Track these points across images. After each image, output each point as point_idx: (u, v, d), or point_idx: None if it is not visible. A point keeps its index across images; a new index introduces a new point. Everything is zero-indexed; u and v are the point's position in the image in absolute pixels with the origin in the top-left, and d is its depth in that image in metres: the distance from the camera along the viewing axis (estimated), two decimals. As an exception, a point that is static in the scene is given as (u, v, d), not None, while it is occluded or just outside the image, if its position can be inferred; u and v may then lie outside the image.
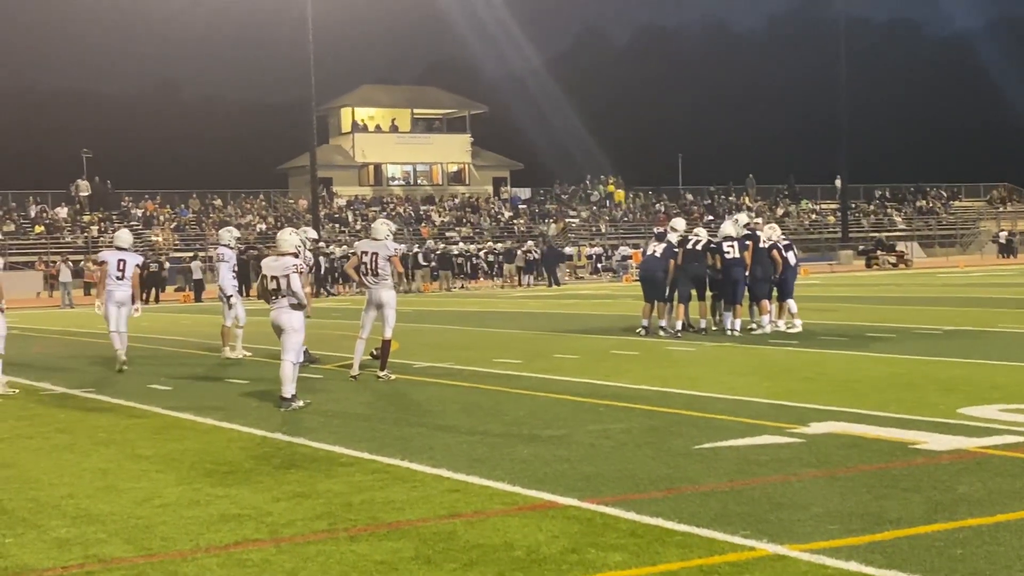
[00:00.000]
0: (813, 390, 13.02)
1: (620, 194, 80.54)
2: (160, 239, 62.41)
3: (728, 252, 20.46)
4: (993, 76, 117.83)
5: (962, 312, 24.87)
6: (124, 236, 18.73)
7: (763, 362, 16.22)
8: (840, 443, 9.68)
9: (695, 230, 21.82)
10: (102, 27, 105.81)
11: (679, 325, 20.81)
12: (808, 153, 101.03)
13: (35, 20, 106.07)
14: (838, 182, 76.21)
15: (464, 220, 72.02)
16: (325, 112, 77.56)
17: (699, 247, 20.65)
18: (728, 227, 21.03)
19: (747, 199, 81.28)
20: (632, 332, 21.27)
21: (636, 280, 21.75)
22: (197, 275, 46.93)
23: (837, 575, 6.09)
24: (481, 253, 53.87)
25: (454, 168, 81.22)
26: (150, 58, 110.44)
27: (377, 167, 79.08)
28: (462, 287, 51.19)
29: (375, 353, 15.69)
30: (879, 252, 61.54)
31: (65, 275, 45.81)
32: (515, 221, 73.47)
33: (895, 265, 59.78)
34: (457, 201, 76.29)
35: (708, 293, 21.04)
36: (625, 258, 57.21)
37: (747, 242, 20.63)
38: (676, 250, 20.43)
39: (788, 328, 20.64)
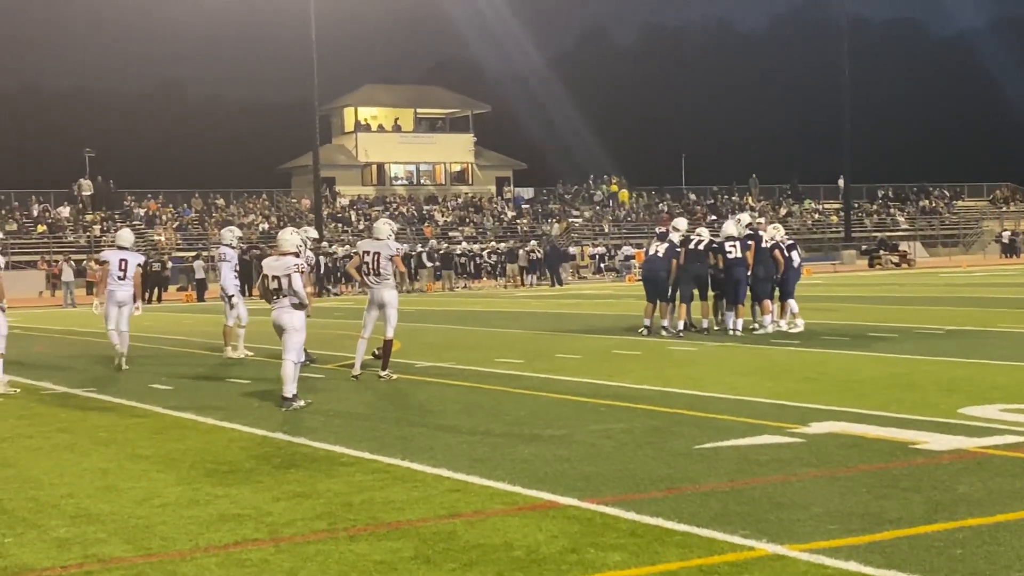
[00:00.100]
0: (814, 390, 13.01)
1: (624, 194, 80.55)
2: (162, 239, 62.45)
3: (730, 252, 20.44)
4: (996, 76, 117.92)
5: (964, 312, 24.85)
6: (126, 236, 18.73)
7: (765, 362, 16.21)
8: (841, 443, 9.67)
9: (697, 230, 21.80)
10: (105, 27, 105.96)
11: (681, 325, 20.80)
12: (811, 153, 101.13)
13: (38, 20, 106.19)
14: (841, 182, 76.17)
15: (467, 220, 72.03)
16: (328, 112, 77.63)
17: (701, 247, 20.63)
18: (730, 227, 21.02)
19: (750, 199, 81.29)
20: (634, 332, 21.26)
21: (639, 280, 21.72)
22: (199, 275, 46.95)
23: (836, 575, 6.08)
24: (484, 253, 53.86)
25: (457, 168, 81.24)
26: (153, 58, 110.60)
27: (380, 167, 79.12)
28: (465, 287, 51.20)
29: (377, 353, 15.68)
30: (882, 252, 61.55)
31: (67, 274, 45.89)
32: (518, 221, 73.48)
33: (898, 265, 59.77)
34: (460, 201, 76.31)
35: (710, 293, 21.03)
36: (628, 258, 57.21)
37: (749, 242, 20.61)
38: (678, 250, 20.42)
39: (790, 328, 20.63)
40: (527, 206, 77.26)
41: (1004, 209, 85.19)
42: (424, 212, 72.88)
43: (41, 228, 62.38)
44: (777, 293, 21.17)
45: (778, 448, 9.53)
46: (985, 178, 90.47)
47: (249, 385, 15.30)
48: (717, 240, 20.85)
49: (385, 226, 15.60)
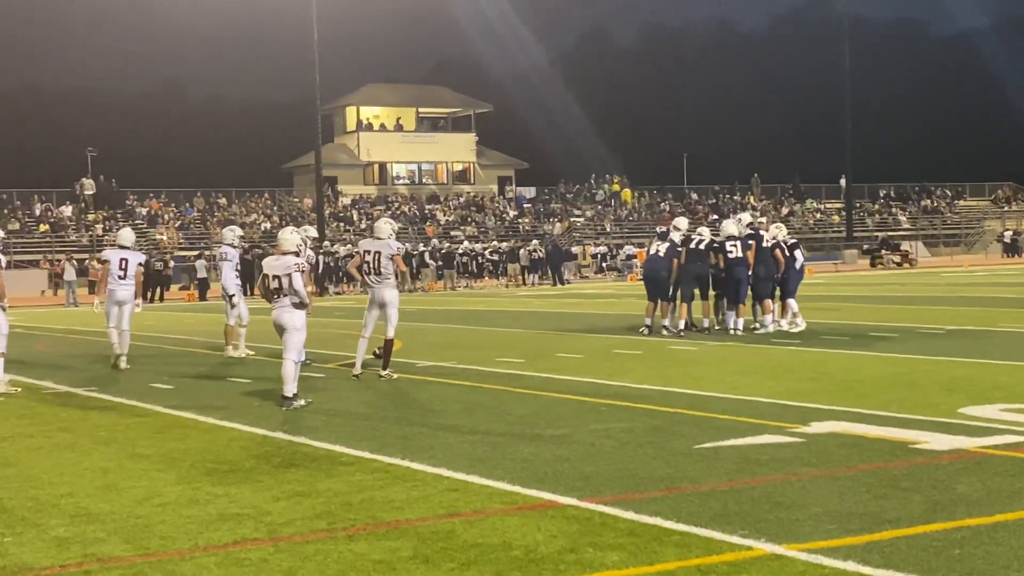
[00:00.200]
0: (815, 390, 13.01)
1: (627, 193, 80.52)
2: (164, 238, 62.47)
3: (731, 251, 20.44)
4: (998, 75, 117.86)
5: (965, 312, 24.84)
6: (126, 235, 18.75)
7: (766, 361, 16.21)
8: (841, 443, 9.67)
9: (698, 229, 21.78)
10: (107, 26, 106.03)
11: (682, 324, 20.79)
12: (813, 152, 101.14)
13: (40, 20, 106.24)
14: (843, 181, 76.17)
15: (469, 219, 72.03)
16: (330, 111, 77.68)
17: (702, 246, 20.62)
18: (731, 226, 21.01)
19: (752, 198, 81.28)
20: (635, 331, 21.26)
21: (640, 279, 21.72)
22: (201, 274, 46.97)
23: (834, 575, 6.08)
24: (486, 252, 53.85)
25: (459, 167, 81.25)
26: (155, 57, 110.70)
27: (382, 166, 79.15)
28: (466, 286, 51.20)
29: (378, 352, 15.68)
30: (884, 251, 61.50)
31: (69, 274, 45.92)
32: (520, 220, 73.48)
33: (899, 264, 59.74)
34: (462, 200, 76.32)
35: (711, 292, 21.03)
36: (630, 257, 57.19)
37: (750, 241, 20.60)
38: (679, 249, 20.41)
39: (791, 327, 20.62)
40: (529, 205, 77.27)
41: (1006, 209, 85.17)
42: (426, 211, 72.89)
43: (43, 227, 62.42)
44: (778, 292, 21.17)
45: (778, 448, 9.53)
46: (987, 178, 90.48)
47: (250, 384, 15.31)
48: (718, 240, 20.85)
49: (386, 225, 15.59)
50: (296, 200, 73.16)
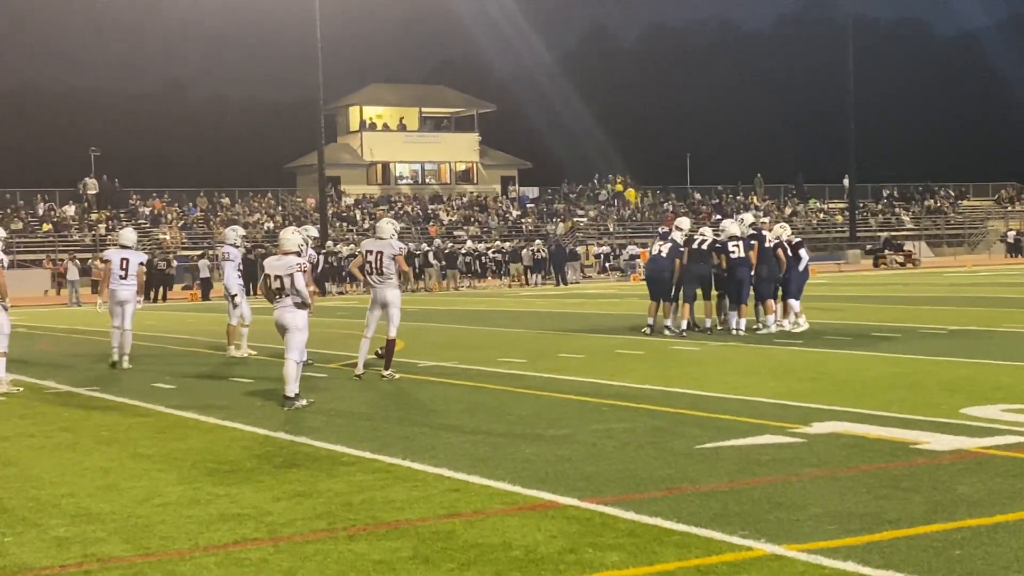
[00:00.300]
0: (817, 390, 13.01)
1: (631, 193, 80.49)
2: (167, 237, 62.51)
3: (733, 251, 20.43)
4: (1002, 75, 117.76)
5: (968, 312, 24.83)
6: (127, 235, 18.78)
7: (768, 362, 16.20)
8: (842, 443, 9.67)
9: (701, 229, 21.76)
10: (110, 26, 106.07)
11: (684, 324, 20.77)
12: (816, 152, 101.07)
13: (42, 20, 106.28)
14: (846, 181, 76.06)
15: (472, 219, 72.04)
16: (333, 111, 77.68)
17: (704, 246, 20.62)
18: (732, 226, 20.99)
19: (755, 198, 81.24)
20: (638, 331, 21.27)
21: (643, 279, 21.73)
22: (204, 273, 46.97)
23: (833, 575, 6.08)
24: (489, 252, 53.84)
25: (462, 167, 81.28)
26: (158, 57, 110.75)
27: (385, 166, 79.17)
28: (469, 286, 51.21)
29: (380, 352, 15.68)
30: (887, 251, 61.46)
31: (72, 273, 45.96)
32: (523, 220, 73.48)
33: (903, 264, 59.70)
34: (465, 200, 76.33)
35: (713, 292, 21.03)
36: (633, 257, 57.15)
37: (752, 241, 20.59)
38: (682, 249, 20.41)
39: (793, 328, 20.62)
40: (532, 205, 77.26)
41: (1009, 209, 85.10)
42: (429, 211, 72.90)
43: (46, 227, 62.45)
44: (780, 292, 21.15)
45: (779, 448, 9.53)
46: (990, 178, 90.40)
47: (252, 384, 15.32)
48: (720, 240, 20.83)
49: (388, 225, 15.58)
50: (299, 200, 73.20)
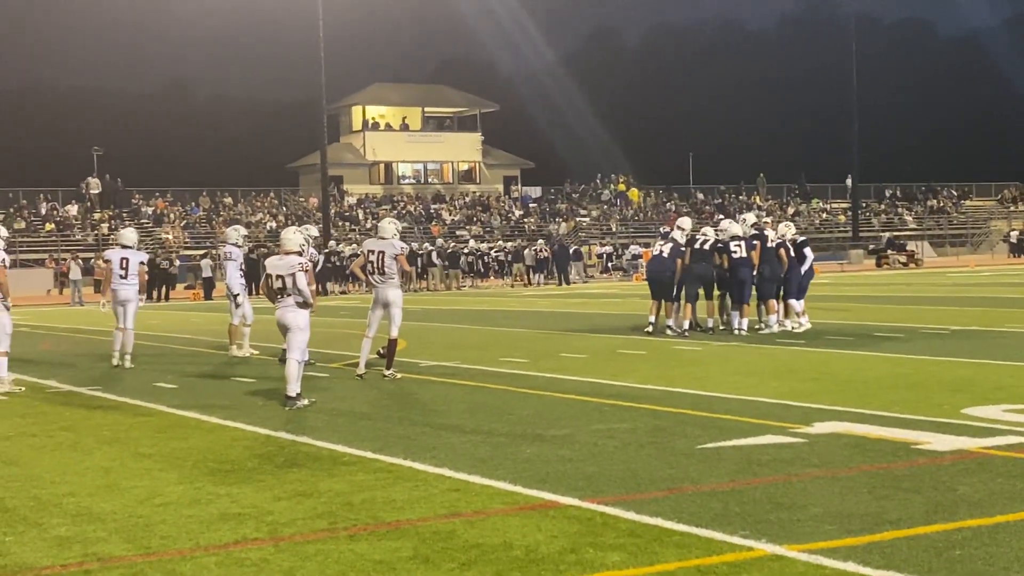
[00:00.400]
0: (818, 390, 13.00)
1: (635, 193, 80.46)
2: (170, 237, 62.53)
3: (735, 251, 20.42)
4: (1005, 75, 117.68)
5: (971, 312, 24.81)
6: (128, 235, 18.79)
7: (770, 362, 16.20)
8: (843, 443, 9.66)
9: (703, 229, 21.76)
10: (113, 26, 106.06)
11: (686, 324, 20.76)
12: (819, 152, 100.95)
13: (45, 19, 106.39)
14: (849, 181, 76.05)
15: (474, 219, 72.03)
16: (336, 110, 77.67)
17: (706, 246, 20.61)
18: (734, 226, 20.99)
19: (758, 198, 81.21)
20: (640, 331, 21.27)
21: (646, 279, 21.73)
22: (207, 273, 46.97)
23: (834, 575, 6.09)
24: (491, 252, 53.83)
25: (465, 166, 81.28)
26: (161, 56, 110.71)
27: (388, 165, 79.17)
28: (471, 286, 51.21)
29: (381, 352, 15.69)
30: (889, 252, 61.39)
31: (75, 272, 45.98)
32: (526, 220, 73.46)
33: (905, 264, 59.64)
34: (468, 200, 76.31)
35: (715, 292, 21.02)
36: (636, 257, 57.11)
37: (754, 241, 20.58)
38: (683, 249, 20.41)
39: (795, 328, 20.61)
40: (535, 205, 77.24)
41: (1012, 209, 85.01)
42: (431, 211, 72.89)
43: (49, 226, 62.47)
44: (781, 292, 21.13)
45: (780, 448, 9.53)
46: (993, 178, 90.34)
47: (253, 384, 15.32)
48: (722, 240, 20.82)
49: (390, 225, 15.59)
50: (302, 199, 73.19)
